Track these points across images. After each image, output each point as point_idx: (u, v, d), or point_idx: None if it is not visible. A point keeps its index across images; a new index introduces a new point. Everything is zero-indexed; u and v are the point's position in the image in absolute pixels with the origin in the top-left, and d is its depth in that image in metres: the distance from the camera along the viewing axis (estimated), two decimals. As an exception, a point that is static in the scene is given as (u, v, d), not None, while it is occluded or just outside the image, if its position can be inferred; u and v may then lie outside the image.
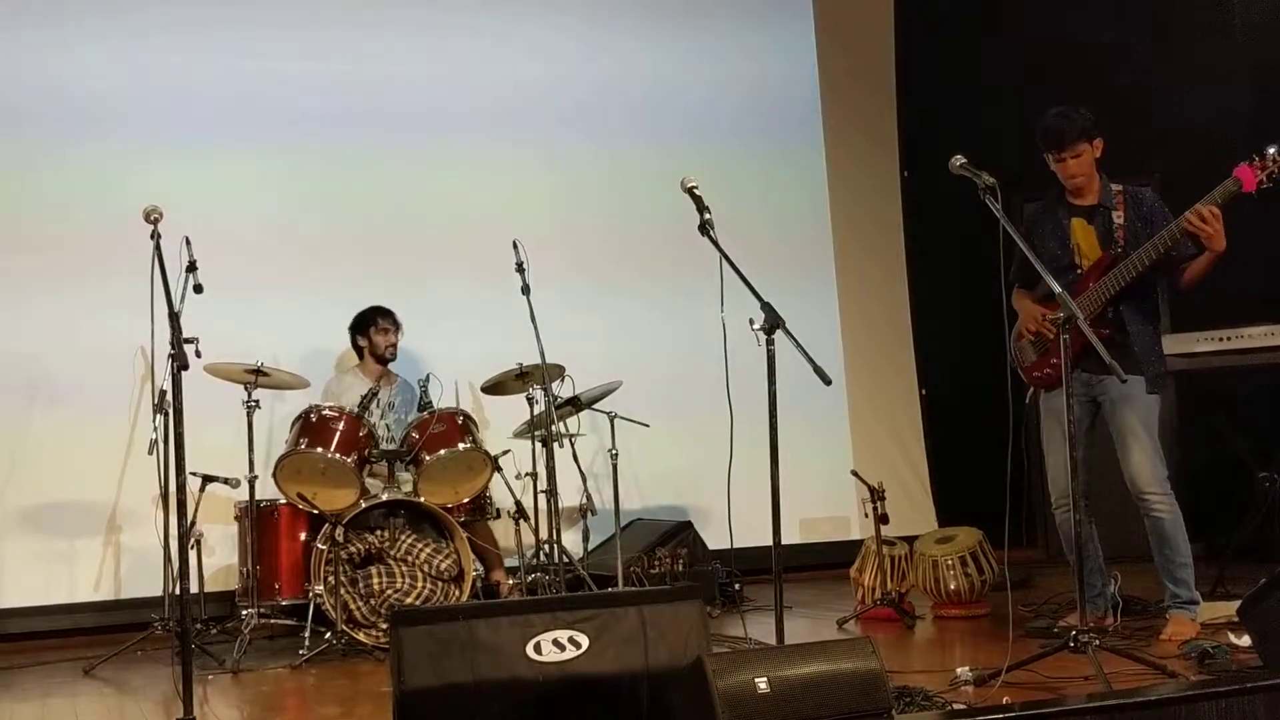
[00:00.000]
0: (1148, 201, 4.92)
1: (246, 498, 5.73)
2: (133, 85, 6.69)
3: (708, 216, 4.25)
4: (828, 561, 7.10)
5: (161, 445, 5.33)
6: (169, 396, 4.37)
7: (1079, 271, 4.95)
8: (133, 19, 6.71)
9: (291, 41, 6.96)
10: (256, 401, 5.72)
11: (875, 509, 5.72)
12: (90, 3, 6.66)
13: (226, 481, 5.76)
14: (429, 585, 5.60)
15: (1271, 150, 4.57)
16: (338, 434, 5.61)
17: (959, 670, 4.14)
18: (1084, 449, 5.00)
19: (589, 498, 6.12)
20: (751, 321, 4.03)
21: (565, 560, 5.92)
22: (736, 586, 6.33)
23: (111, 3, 6.70)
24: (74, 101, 6.59)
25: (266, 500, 5.85)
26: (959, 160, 4.41)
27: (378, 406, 6.16)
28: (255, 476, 5.69)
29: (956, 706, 3.78)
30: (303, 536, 5.82)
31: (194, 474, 5.58)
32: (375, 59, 7.11)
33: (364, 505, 5.56)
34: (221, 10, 6.86)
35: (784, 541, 4.07)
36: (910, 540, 5.95)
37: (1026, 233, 5.14)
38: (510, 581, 6.19)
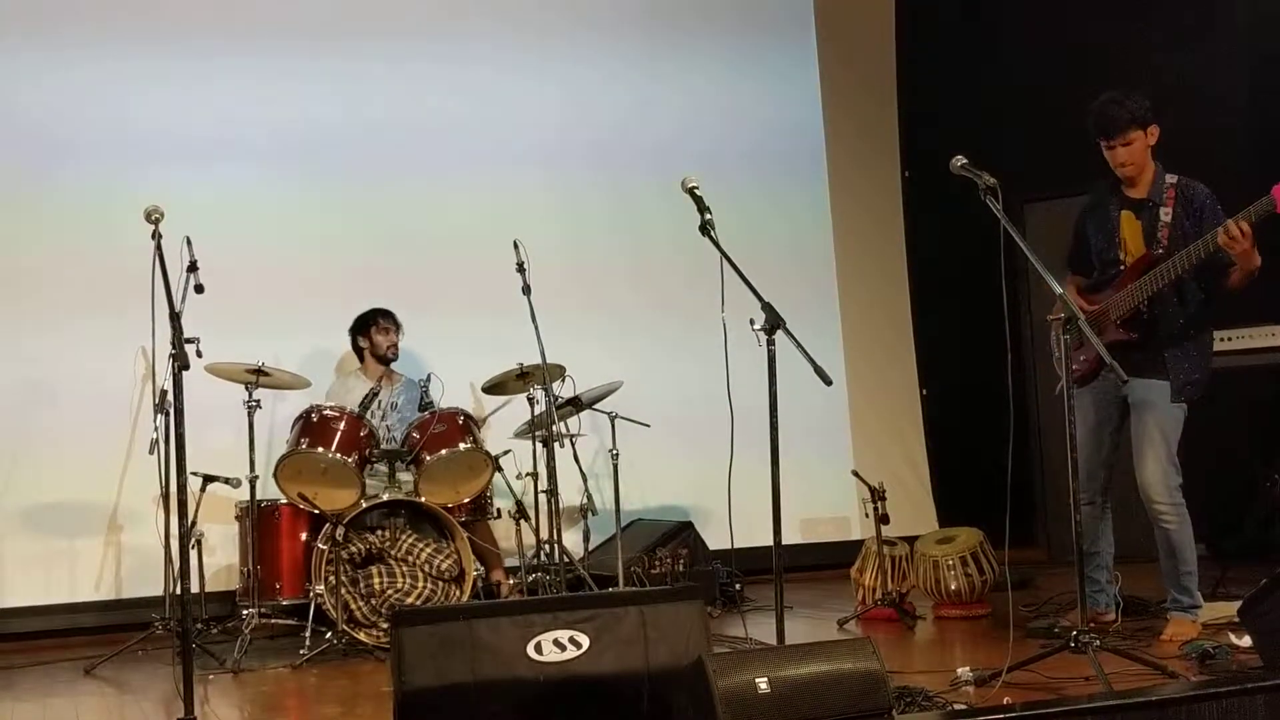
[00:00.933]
0: (1200, 198, 4.77)
1: (247, 497, 5.73)
2: (137, 92, 6.68)
3: (708, 217, 4.25)
4: (828, 562, 7.10)
5: (162, 445, 5.33)
6: (170, 396, 4.37)
7: (1121, 268, 4.87)
8: (133, 35, 6.73)
9: (293, 51, 6.96)
10: (257, 401, 5.72)
11: (876, 509, 5.72)
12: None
13: (227, 481, 5.77)
14: (429, 585, 5.60)
15: None
16: (338, 434, 5.62)
17: (959, 670, 4.14)
18: (1109, 448, 4.99)
19: (589, 498, 6.12)
20: (752, 322, 4.02)
21: (566, 560, 5.92)
22: (737, 587, 6.33)
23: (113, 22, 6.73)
24: (76, 104, 6.59)
25: (267, 500, 5.85)
26: (960, 160, 4.39)
27: (379, 407, 6.16)
28: (256, 476, 5.70)
29: (957, 707, 3.78)
30: (303, 536, 5.83)
31: (195, 474, 5.58)
32: (379, 69, 7.11)
33: (364, 505, 5.56)
34: (229, 22, 6.89)
35: (785, 542, 4.06)
36: (911, 540, 5.95)
37: (1081, 222, 5.10)
38: (510, 581, 6.19)
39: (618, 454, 6.12)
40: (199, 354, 4.60)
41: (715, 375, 4.28)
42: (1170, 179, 4.83)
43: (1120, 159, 4.80)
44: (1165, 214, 4.78)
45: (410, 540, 5.66)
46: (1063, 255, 5.08)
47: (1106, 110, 4.77)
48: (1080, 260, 5.02)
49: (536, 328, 5.62)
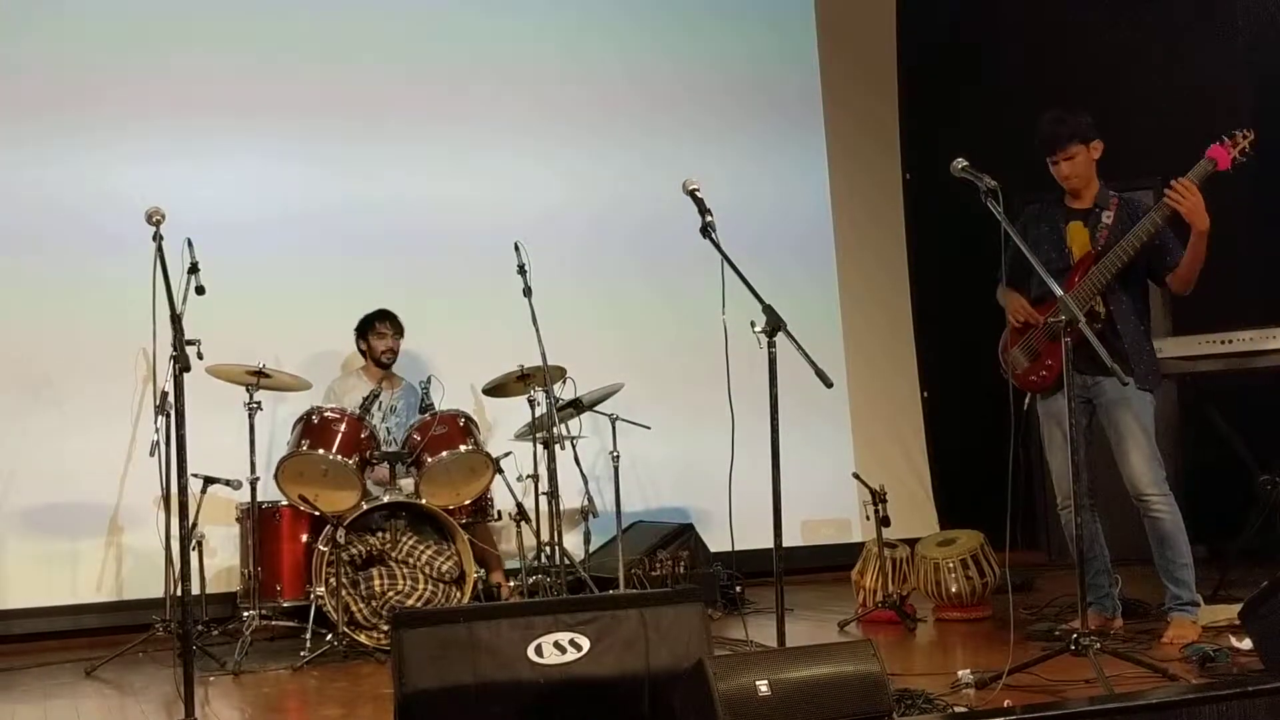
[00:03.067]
0: (1142, 206, 4.92)
1: (248, 499, 5.73)
2: (139, 95, 6.68)
3: (709, 219, 4.26)
4: (829, 564, 7.10)
5: (163, 446, 5.33)
6: (171, 398, 4.37)
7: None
8: (135, 36, 6.74)
9: (295, 56, 6.97)
10: (258, 403, 5.71)
11: (877, 511, 5.72)
12: None
13: (228, 483, 5.77)
14: (430, 587, 5.60)
15: (1240, 130, 4.65)
16: (339, 435, 5.61)
17: (960, 673, 4.14)
18: (1084, 449, 5.01)
19: (590, 500, 6.12)
20: (753, 324, 4.03)
21: (566, 562, 5.92)
22: (738, 589, 6.33)
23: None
24: (78, 104, 6.59)
25: (268, 502, 5.85)
26: (961, 163, 4.41)
27: (379, 409, 6.16)
28: (257, 478, 5.69)
29: (958, 709, 3.78)
30: (304, 538, 5.83)
31: (196, 475, 5.58)
32: (377, 59, 7.13)
33: (365, 507, 5.56)
34: (228, 18, 6.90)
35: (785, 544, 4.07)
36: (912, 543, 5.95)
37: (1021, 232, 5.14)
38: (511, 584, 6.19)
39: (618, 456, 6.12)
40: (200, 356, 4.60)
41: (716, 377, 4.28)
42: (1113, 194, 4.99)
43: (1064, 172, 4.96)
44: (1106, 217, 4.94)
45: (411, 542, 5.66)
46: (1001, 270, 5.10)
47: (1049, 127, 4.94)
48: (1018, 270, 4.99)
49: (537, 330, 5.62)
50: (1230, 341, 6.23)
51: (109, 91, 6.64)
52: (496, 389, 6.21)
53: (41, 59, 6.55)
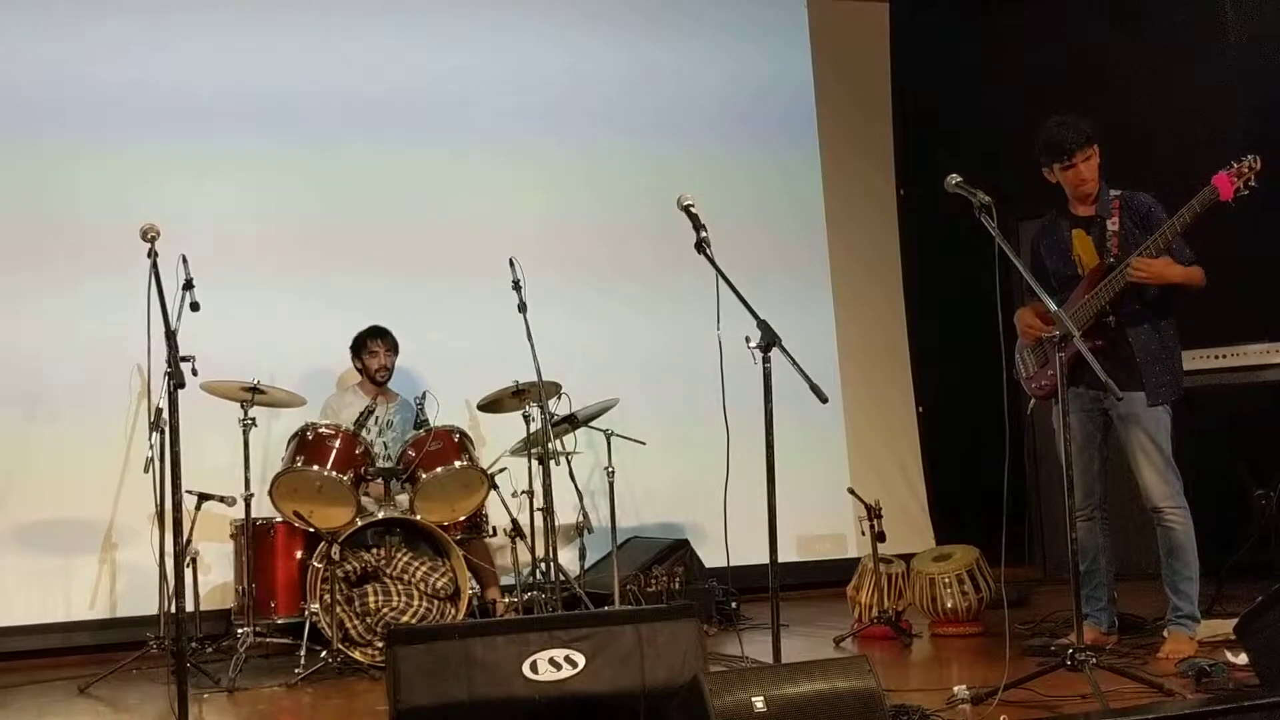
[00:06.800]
0: (1145, 205, 4.88)
1: (242, 516, 5.72)
2: (137, 108, 6.69)
3: (704, 234, 4.25)
4: (825, 579, 7.09)
5: (158, 463, 5.32)
6: (165, 414, 4.37)
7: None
8: (135, 43, 6.75)
9: (292, 58, 6.99)
10: (253, 419, 5.71)
11: (872, 527, 5.72)
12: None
13: (223, 499, 5.76)
14: (425, 603, 5.59)
15: (1248, 157, 4.59)
16: (334, 452, 5.61)
17: (956, 689, 4.13)
18: (1099, 461, 5.01)
19: (585, 515, 6.11)
20: (748, 339, 4.02)
21: (562, 578, 5.91)
22: (733, 605, 6.32)
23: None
24: (76, 119, 6.60)
25: (263, 518, 5.84)
26: (954, 179, 4.42)
27: (375, 424, 6.16)
28: (251, 494, 5.68)
29: (954, 725, 3.78)
30: (299, 554, 5.81)
31: (190, 492, 5.54)
32: (375, 77, 7.14)
33: (360, 523, 5.55)
34: (223, 33, 6.90)
35: (781, 559, 4.05)
36: (907, 558, 5.95)
37: (1034, 249, 5.17)
38: (506, 600, 6.18)
39: (613, 471, 6.12)
40: (194, 372, 4.60)
41: (711, 392, 4.28)
42: (1114, 193, 4.95)
43: (1083, 175, 4.90)
44: (1112, 224, 4.90)
45: (406, 558, 5.65)
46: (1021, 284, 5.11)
47: (1062, 132, 4.88)
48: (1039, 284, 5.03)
49: (532, 345, 5.62)
50: (1226, 356, 6.25)
51: (113, 103, 6.66)
52: (491, 405, 6.20)
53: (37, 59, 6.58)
